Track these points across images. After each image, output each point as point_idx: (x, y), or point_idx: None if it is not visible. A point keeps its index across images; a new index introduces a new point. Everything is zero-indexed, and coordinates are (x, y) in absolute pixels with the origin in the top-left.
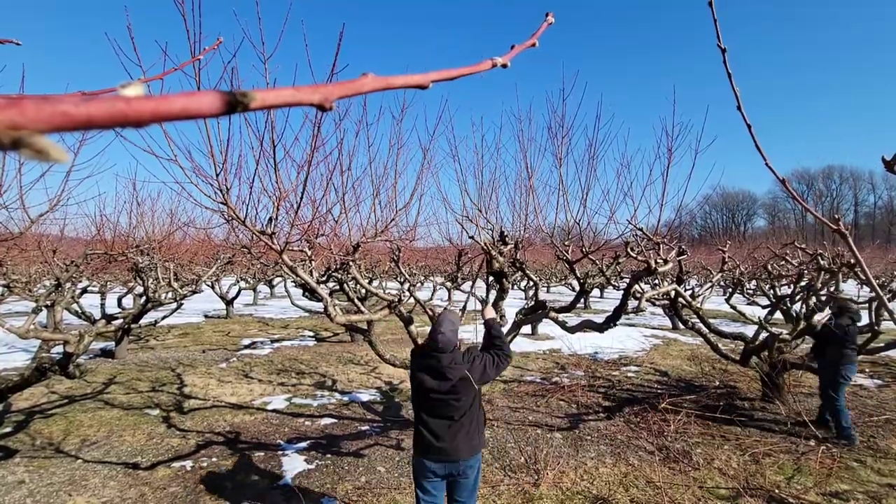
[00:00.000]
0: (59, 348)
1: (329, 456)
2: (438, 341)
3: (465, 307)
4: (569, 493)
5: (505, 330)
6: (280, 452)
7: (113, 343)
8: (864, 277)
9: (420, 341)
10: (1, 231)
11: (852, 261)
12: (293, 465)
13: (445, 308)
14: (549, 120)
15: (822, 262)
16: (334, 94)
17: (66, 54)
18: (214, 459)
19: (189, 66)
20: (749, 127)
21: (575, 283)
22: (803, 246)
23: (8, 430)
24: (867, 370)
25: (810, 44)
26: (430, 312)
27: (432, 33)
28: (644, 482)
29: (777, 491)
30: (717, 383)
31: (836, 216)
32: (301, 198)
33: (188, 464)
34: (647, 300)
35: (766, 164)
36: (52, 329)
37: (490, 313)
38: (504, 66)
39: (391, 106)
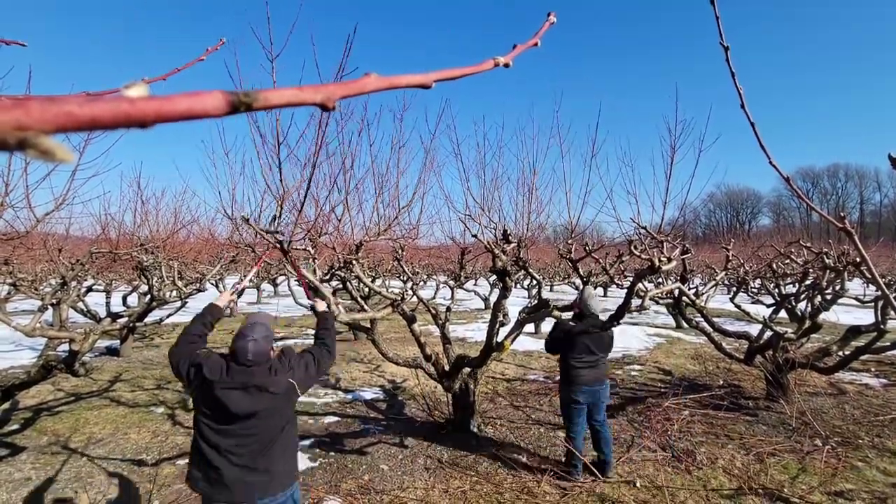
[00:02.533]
0: (65, 346)
1: (332, 454)
2: (249, 351)
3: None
4: (572, 491)
5: (507, 329)
6: None
7: (118, 341)
8: (869, 276)
9: (423, 340)
10: (7, 230)
11: (858, 259)
12: (301, 464)
13: (257, 311)
14: (553, 119)
15: (827, 261)
16: (337, 94)
17: (67, 54)
18: None
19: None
20: (753, 125)
21: (578, 281)
22: (808, 244)
23: (15, 427)
24: (873, 369)
25: (811, 43)
26: (433, 311)
27: (433, 34)
28: (648, 481)
29: (781, 490)
30: (722, 382)
31: (842, 214)
32: (305, 197)
33: None
34: (650, 299)
35: (771, 163)
36: (58, 327)
37: (321, 306)
38: (506, 65)
39: (393, 105)
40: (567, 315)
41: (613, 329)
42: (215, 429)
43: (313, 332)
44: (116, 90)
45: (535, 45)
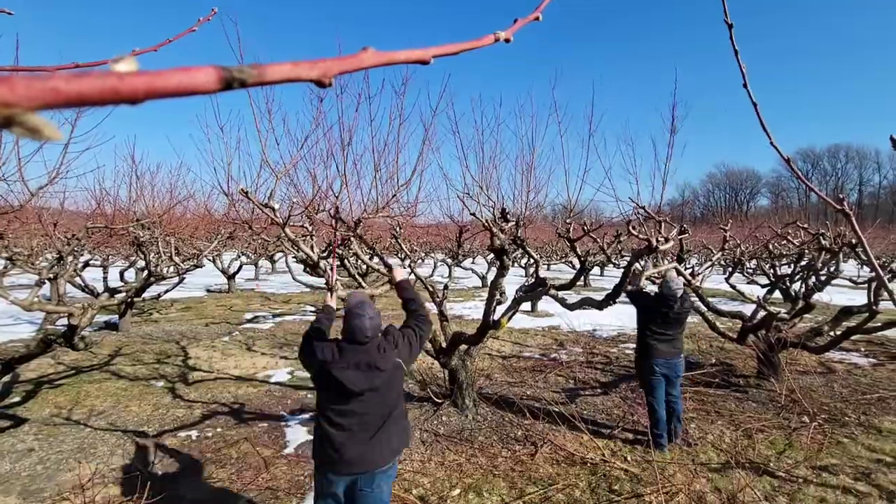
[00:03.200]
0: (64, 321)
1: None
2: (367, 328)
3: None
4: (565, 464)
5: (504, 307)
6: (283, 423)
7: (116, 316)
8: (865, 257)
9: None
10: (1, 204)
11: (854, 241)
12: (296, 435)
13: (351, 292)
14: (550, 97)
15: (823, 242)
16: (333, 70)
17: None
18: (219, 430)
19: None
20: (755, 105)
21: (575, 260)
22: (805, 225)
23: (17, 399)
24: (863, 349)
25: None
26: (431, 288)
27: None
28: (638, 455)
29: (767, 465)
30: (714, 361)
31: (841, 196)
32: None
33: (193, 433)
34: (646, 278)
35: (772, 143)
36: (56, 302)
37: (401, 274)
38: (507, 40)
39: (392, 80)
40: (565, 293)
41: (606, 308)
42: (336, 409)
43: (311, 308)
44: (105, 62)
45: (537, 19)
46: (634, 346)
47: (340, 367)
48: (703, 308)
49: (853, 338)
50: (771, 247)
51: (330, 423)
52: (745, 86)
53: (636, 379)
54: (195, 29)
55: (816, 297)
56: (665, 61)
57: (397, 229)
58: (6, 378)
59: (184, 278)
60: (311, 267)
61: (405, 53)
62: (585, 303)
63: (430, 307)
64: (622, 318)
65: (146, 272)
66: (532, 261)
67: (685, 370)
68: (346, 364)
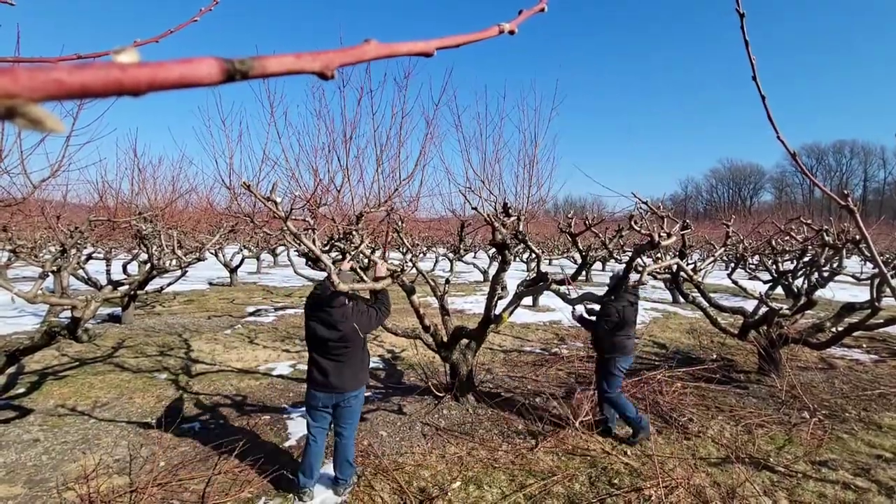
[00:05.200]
0: (67, 313)
1: None
2: (326, 287)
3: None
4: (565, 458)
5: (505, 301)
6: (285, 416)
7: (120, 309)
8: (868, 254)
9: (422, 311)
10: (4, 196)
11: (858, 237)
12: (298, 428)
13: (340, 270)
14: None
15: (826, 238)
16: (336, 62)
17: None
18: (222, 421)
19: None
20: (763, 98)
21: (577, 255)
22: (809, 221)
23: (22, 390)
24: (864, 345)
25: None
26: (432, 283)
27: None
28: (638, 449)
29: (767, 460)
30: (715, 356)
31: (845, 192)
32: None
33: (196, 425)
34: (648, 273)
35: (778, 137)
36: (59, 294)
37: (382, 271)
38: (511, 32)
39: (395, 74)
40: (566, 288)
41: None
42: (310, 345)
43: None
44: (108, 53)
45: (542, 10)
46: (635, 340)
47: (311, 319)
48: (705, 304)
49: (855, 334)
50: (774, 243)
51: (312, 359)
52: (753, 78)
53: (633, 374)
54: (197, 19)
55: (819, 293)
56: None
57: (399, 223)
58: (11, 369)
59: (186, 271)
60: (314, 260)
61: (408, 45)
62: (587, 297)
63: (432, 302)
64: None
65: (149, 265)
66: (533, 255)
67: (685, 365)
68: (315, 317)
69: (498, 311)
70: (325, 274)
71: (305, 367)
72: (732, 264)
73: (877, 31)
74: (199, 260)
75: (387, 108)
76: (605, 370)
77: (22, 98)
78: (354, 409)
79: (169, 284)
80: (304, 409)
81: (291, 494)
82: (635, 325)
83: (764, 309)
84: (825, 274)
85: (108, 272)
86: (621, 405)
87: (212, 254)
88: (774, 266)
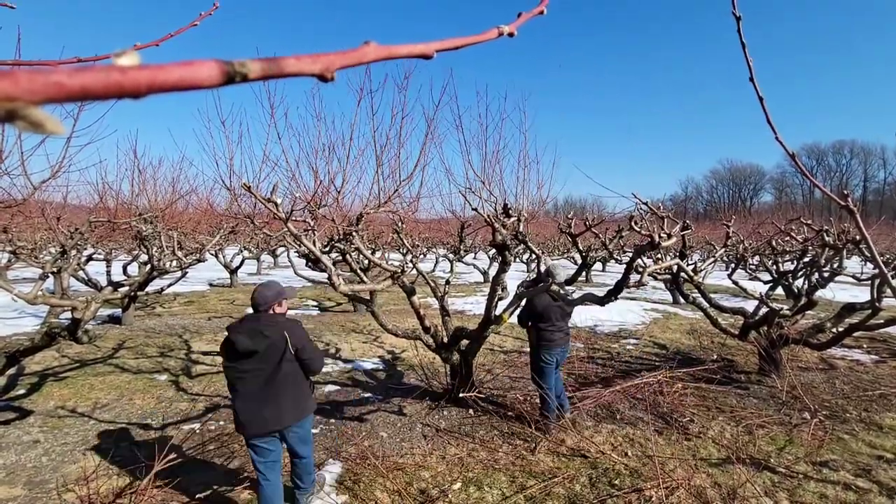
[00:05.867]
0: (68, 314)
1: (333, 421)
2: (256, 300)
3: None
4: (565, 458)
5: (506, 302)
6: None
7: (120, 310)
8: (868, 254)
9: (422, 312)
10: (4, 198)
11: (858, 237)
12: None
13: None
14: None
15: (827, 239)
16: (335, 64)
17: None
18: (222, 422)
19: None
20: (761, 99)
21: (577, 256)
22: (809, 222)
23: (22, 392)
24: (865, 346)
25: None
26: (433, 284)
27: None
28: (639, 450)
29: (768, 461)
30: (715, 357)
31: (845, 192)
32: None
33: (197, 426)
34: (648, 274)
35: (777, 139)
36: (60, 295)
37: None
38: (511, 34)
39: (394, 75)
40: (566, 289)
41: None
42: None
43: (314, 302)
44: (108, 56)
45: (542, 13)
46: (635, 341)
47: (232, 335)
48: (706, 304)
49: (855, 334)
50: (774, 243)
51: (235, 396)
52: (751, 80)
53: (633, 375)
54: (197, 23)
55: (819, 293)
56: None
57: (399, 224)
58: (11, 371)
59: (186, 273)
60: (314, 261)
61: (407, 48)
62: (587, 298)
63: (432, 303)
64: (624, 314)
65: (149, 266)
66: (534, 256)
67: (686, 366)
68: (238, 332)
69: (498, 311)
70: (325, 275)
71: None
72: (733, 265)
73: (877, 31)
74: (199, 261)
75: (387, 110)
76: (532, 360)
77: (22, 101)
78: (302, 436)
79: (169, 285)
80: None
81: None
82: (563, 321)
83: (764, 309)
84: (825, 274)
85: (108, 273)
86: (544, 396)
87: (212, 255)
88: (775, 266)
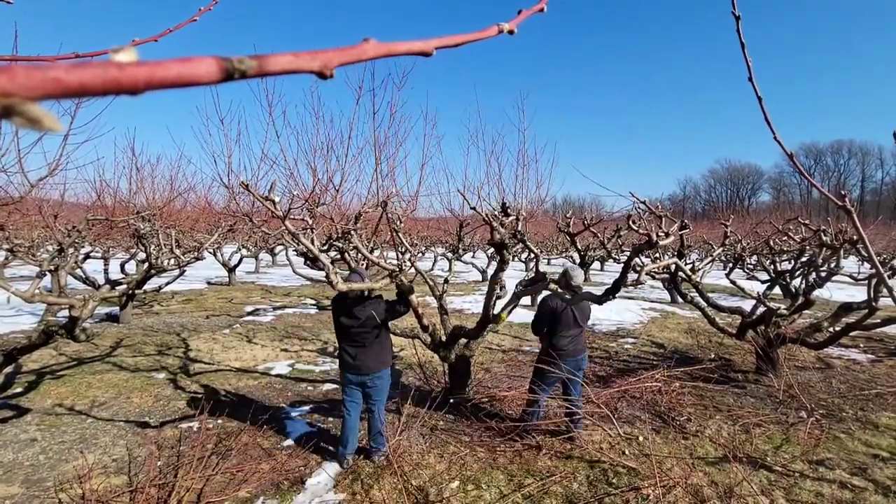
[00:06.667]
0: (65, 312)
1: (331, 419)
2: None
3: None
4: (563, 457)
5: (504, 301)
6: (284, 416)
7: (118, 308)
8: (865, 254)
9: (420, 311)
10: (1, 195)
11: (855, 237)
12: (297, 427)
13: (354, 269)
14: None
15: (824, 239)
16: (334, 62)
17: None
18: (220, 421)
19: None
20: (760, 99)
21: (576, 255)
22: (807, 221)
23: (19, 390)
24: (861, 345)
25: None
26: (431, 283)
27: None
28: (636, 448)
29: (764, 459)
30: (713, 356)
31: (843, 192)
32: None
33: (195, 424)
34: (646, 273)
35: (775, 138)
36: (57, 293)
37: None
38: (511, 32)
39: (393, 73)
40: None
41: (606, 302)
42: (337, 333)
43: (312, 301)
44: (105, 52)
45: (542, 10)
46: (633, 340)
47: (337, 312)
48: (703, 303)
49: (852, 334)
50: (772, 243)
51: (342, 346)
52: (750, 79)
53: (631, 374)
54: (196, 19)
55: (816, 293)
56: (664, 51)
57: (398, 223)
58: (8, 369)
59: (184, 271)
60: (312, 260)
61: (407, 45)
62: (585, 297)
63: (431, 302)
64: (622, 313)
65: (147, 264)
66: (532, 255)
67: (683, 365)
68: (340, 311)
69: (497, 310)
70: (323, 274)
71: (303, 367)
72: (730, 264)
73: (877, 31)
74: (197, 259)
75: (386, 108)
76: (535, 364)
77: (19, 97)
78: (380, 388)
79: (167, 284)
80: (302, 408)
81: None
82: (575, 328)
83: (762, 309)
84: (823, 274)
85: (105, 271)
86: (532, 401)
87: (210, 253)
88: (772, 266)
